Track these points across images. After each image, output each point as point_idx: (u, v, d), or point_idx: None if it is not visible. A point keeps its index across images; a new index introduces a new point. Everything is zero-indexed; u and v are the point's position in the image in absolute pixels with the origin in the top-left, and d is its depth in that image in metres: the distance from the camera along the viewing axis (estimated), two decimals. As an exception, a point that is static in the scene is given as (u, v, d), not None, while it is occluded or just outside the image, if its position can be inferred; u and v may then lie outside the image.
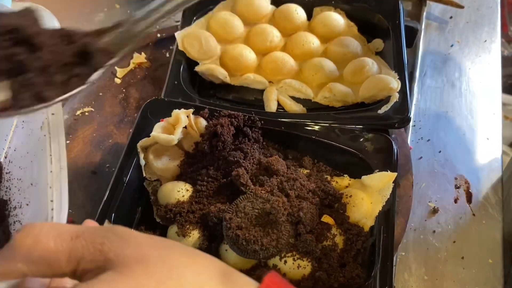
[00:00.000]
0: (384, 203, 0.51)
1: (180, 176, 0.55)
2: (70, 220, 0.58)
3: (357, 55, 0.65)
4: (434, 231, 0.59)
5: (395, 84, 0.60)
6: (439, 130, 0.68)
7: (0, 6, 0.45)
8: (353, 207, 0.51)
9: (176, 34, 0.65)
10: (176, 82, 0.62)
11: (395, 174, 0.52)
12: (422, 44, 0.78)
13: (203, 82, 0.66)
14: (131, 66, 0.72)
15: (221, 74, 0.64)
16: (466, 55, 0.78)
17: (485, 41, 0.79)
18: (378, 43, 0.68)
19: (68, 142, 0.65)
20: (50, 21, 0.82)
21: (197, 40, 0.64)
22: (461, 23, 0.82)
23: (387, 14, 0.68)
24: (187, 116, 0.55)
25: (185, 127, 0.55)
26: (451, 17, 0.83)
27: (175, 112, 0.55)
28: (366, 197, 0.51)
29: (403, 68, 0.63)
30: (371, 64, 0.63)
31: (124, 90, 0.70)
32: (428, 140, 0.68)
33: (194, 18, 0.68)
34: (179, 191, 0.52)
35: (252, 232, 0.46)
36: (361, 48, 0.67)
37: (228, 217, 0.47)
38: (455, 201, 0.62)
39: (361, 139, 0.56)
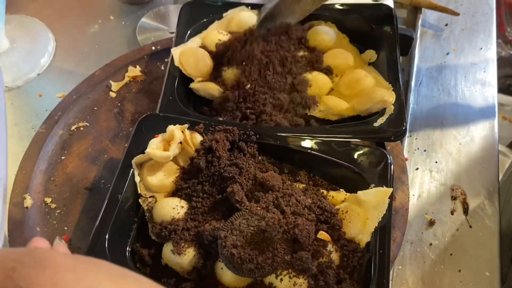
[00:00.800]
0: (380, 219, 0.50)
1: (175, 192, 0.55)
2: (66, 238, 0.57)
3: (350, 67, 0.65)
4: (430, 244, 0.59)
5: (390, 96, 0.59)
6: (435, 140, 0.68)
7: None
8: (349, 223, 0.51)
9: (172, 50, 0.64)
10: (171, 98, 0.62)
11: (391, 189, 0.51)
12: (417, 53, 0.78)
13: (198, 97, 0.65)
14: (126, 79, 0.72)
15: (217, 91, 0.63)
16: (462, 63, 0.77)
17: (481, 48, 0.79)
18: (370, 54, 0.67)
19: (63, 158, 0.65)
20: (45, 33, 0.83)
21: (194, 57, 0.63)
22: (456, 30, 0.82)
23: (381, 24, 0.68)
24: (182, 132, 0.55)
25: (180, 142, 0.55)
26: (446, 25, 0.83)
27: (170, 128, 0.54)
28: (362, 213, 0.51)
29: (398, 79, 0.62)
30: (364, 76, 0.62)
31: (119, 104, 0.70)
32: (425, 150, 0.67)
33: (188, 32, 0.68)
34: (174, 208, 0.52)
35: (247, 251, 0.45)
36: (354, 59, 0.66)
37: (223, 235, 0.46)
38: (452, 212, 0.62)
39: (357, 153, 0.55)
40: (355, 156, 0.55)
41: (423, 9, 0.83)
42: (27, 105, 0.73)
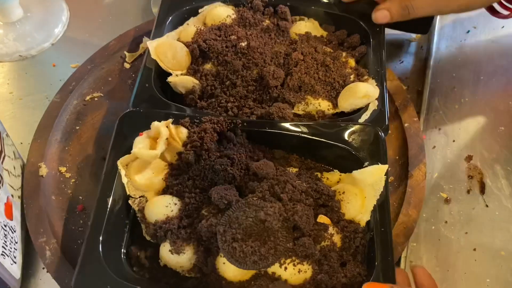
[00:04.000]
0: (378, 197, 0.50)
1: (166, 190, 0.53)
2: (81, 207, 0.58)
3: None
4: (446, 222, 0.59)
5: (373, 90, 0.58)
6: (454, 119, 0.67)
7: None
8: (348, 203, 0.50)
9: (148, 42, 0.62)
10: (147, 85, 0.59)
11: (386, 166, 0.51)
12: (437, 30, 0.76)
13: (176, 94, 0.63)
14: (140, 50, 0.71)
15: (197, 85, 0.61)
16: (483, 41, 0.76)
17: (503, 27, 0.77)
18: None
19: (78, 128, 0.65)
20: (58, 3, 0.82)
21: (171, 50, 0.61)
22: (478, 7, 0.80)
23: (368, 21, 0.65)
24: (167, 127, 0.53)
25: (166, 138, 0.53)
26: (467, 2, 0.80)
27: (155, 124, 0.52)
28: (359, 192, 0.50)
29: (382, 76, 0.60)
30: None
31: (133, 75, 0.69)
32: (439, 129, 0.66)
33: (169, 19, 0.66)
34: (167, 206, 0.50)
35: (249, 243, 0.45)
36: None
37: (222, 230, 0.46)
38: (468, 191, 0.61)
39: (347, 132, 0.54)
40: (346, 135, 0.54)
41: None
42: (41, 75, 0.73)
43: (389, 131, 0.63)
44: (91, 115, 0.66)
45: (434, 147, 0.65)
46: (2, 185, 0.51)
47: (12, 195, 0.54)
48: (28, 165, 0.60)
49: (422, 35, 0.76)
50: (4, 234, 0.49)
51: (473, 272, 0.55)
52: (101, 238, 0.48)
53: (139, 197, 0.52)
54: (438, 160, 0.64)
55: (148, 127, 0.53)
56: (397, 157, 0.62)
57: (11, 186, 0.55)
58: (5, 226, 0.50)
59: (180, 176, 0.53)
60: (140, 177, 0.52)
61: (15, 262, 0.52)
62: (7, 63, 0.74)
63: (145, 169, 0.53)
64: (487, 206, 0.60)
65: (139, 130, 0.53)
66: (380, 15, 0.64)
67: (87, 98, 0.67)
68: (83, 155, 0.62)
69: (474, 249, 0.57)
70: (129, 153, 0.52)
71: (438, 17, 0.78)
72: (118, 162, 0.52)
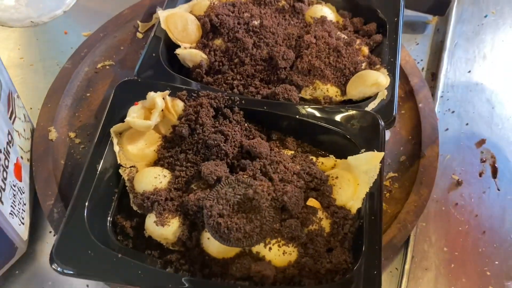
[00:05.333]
0: (371, 184, 0.49)
1: (157, 162, 0.53)
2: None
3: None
4: (456, 204, 0.58)
5: (384, 79, 0.57)
6: (467, 103, 0.67)
7: None
8: (340, 189, 0.49)
9: (159, 12, 0.61)
10: (154, 54, 0.59)
11: (382, 153, 0.49)
12: (454, 13, 0.75)
13: (183, 67, 0.63)
14: (154, 21, 0.71)
15: (205, 60, 0.61)
16: (501, 27, 0.75)
17: (522, 13, 0.76)
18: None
19: (88, 95, 0.64)
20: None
21: (182, 21, 0.61)
22: (498, -8, 0.79)
23: (386, 9, 0.64)
24: (163, 98, 0.52)
25: (162, 109, 0.52)
26: (487, -14, 0.79)
27: (151, 95, 0.52)
28: (353, 179, 0.49)
29: (395, 67, 0.59)
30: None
31: (145, 45, 0.68)
32: (453, 112, 0.66)
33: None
34: (156, 178, 0.50)
35: (234, 220, 0.44)
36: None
37: (209, 204, 0.45)
38: (480, 175, 0.60)
39: (347, 118, 0.53)
40: (345, 121, 0.53)
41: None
42: (52, 41, 0.73)
43: (403, 111, 0.63)
44: (102, 83, 0.65)
45: (447, 129, 0.64)
46: (12, 145, 0.51)
47: (21, 157, 0.54)
48: (38, 128, 0.60)
49: (439, 17, 0.75)
50: (13, 193, 0.49)
51: (481, 254, 0.55)
52: (87, 204, 0.47)
53: (130, 166, 0.52)
54: (451, 143, 0.63)
55: (145, 97, 0.52)
56: (410, 137, 0.61)
57: (21, 148, 0.55)
58: (14, 186, 0.50)
59: (172, 149, 0.53)
60: (133, 147, 0.52)
61: (23, 223, 0.52)
62: (18, 29, 0.73)
63: (139, 139, 0.52)
64: (498, 190, 0.59)
65: (135, 100, 0.53)
66: None
67: (99, 66, 0.67)
68: (93, 122, 0.62)
69: (484, 232, 0.56)
70: (124, 121, 0.52)
71: (456, 0, 0.76)
72: (111, 130, 0.52)
